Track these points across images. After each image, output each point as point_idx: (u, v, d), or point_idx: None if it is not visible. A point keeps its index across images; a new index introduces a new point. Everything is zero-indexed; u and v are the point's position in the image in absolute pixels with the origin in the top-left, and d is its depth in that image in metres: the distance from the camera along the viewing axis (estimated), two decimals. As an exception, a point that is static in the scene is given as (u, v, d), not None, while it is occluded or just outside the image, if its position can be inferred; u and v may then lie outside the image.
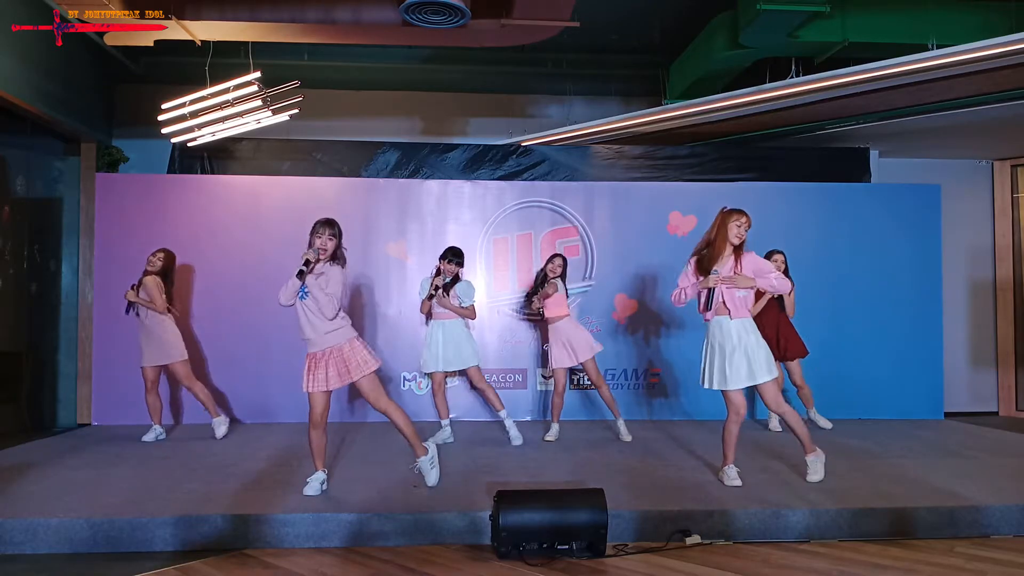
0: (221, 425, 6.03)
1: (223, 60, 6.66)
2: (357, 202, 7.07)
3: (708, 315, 4.33)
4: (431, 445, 4.41)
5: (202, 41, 6.18)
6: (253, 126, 6.65)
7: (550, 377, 6.92)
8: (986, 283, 8.65)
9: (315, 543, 3.73)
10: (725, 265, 4.29)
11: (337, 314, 4.10)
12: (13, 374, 6.59)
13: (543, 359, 6.94)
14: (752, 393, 4.83)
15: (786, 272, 6.09)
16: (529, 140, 7.87)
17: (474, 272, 7.05)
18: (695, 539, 3.72)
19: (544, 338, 6.76)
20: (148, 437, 5.92)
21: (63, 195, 7.12)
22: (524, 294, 5.99)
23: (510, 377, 7.11)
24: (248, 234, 6.98)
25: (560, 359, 5.79)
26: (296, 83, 6.37)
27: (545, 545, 3.54)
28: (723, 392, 4.33)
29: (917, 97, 6.49)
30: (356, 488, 4.29)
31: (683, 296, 4.44)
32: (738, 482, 4.32)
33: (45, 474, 4.70)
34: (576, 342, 5.75)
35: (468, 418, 6.95)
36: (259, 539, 3.72)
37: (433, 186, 7.25)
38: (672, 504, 3.94)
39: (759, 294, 5.62)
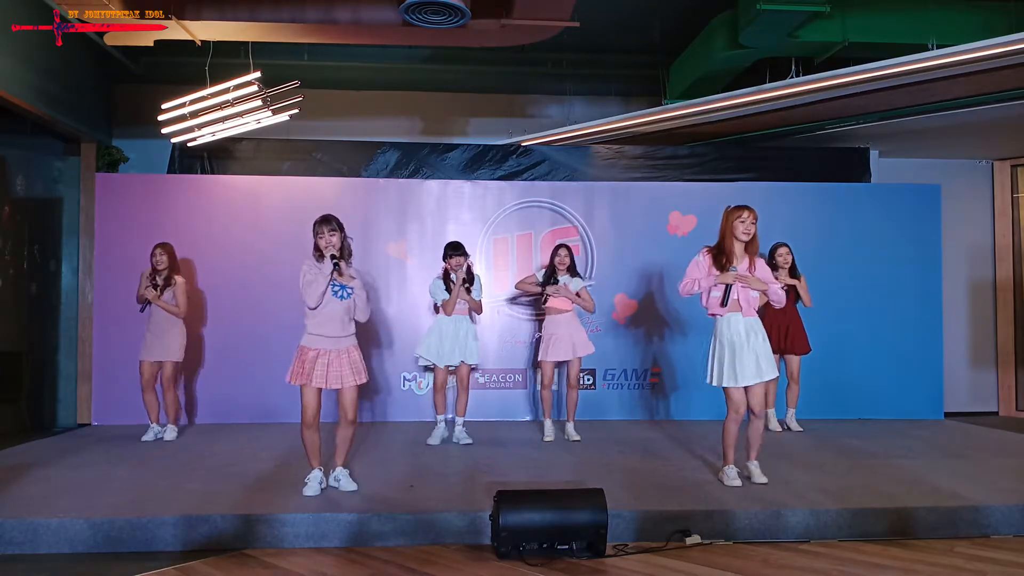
0: (172, 431, 5.99)
1: (223, 60, 6.65)
2: (357, 202, 7.06)
3: (722, 311, 4.32)
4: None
5: (202, 41, 6.17)
6: (253, 126, 6.65)
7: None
8: (986, 283, 8.65)
9: (315, 543, 3.72)
10: (741, 264, 4.33)
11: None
12: (13, 374, 6.59)
13: (536, 351, 6.81)
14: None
15: (793, 264, 6.21)
16: (529, 140, 7.87)
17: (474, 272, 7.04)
18: (695, 539, 3.72)
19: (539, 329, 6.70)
20: (147, 437, 5.90)
21: (63, 195, 7.12)
22: (540, 282, 6.01)
23: (510, 377, 7.11)
24: (248, 234, 6.98)
25: (557, 352, 5.81)
26: (296, 83, 6.37)
27: (545, 545, 3.54)
28: (724, 390, 4.33)
29: (917, 97, 6.49)
30: (356, 488, 4.28)
31: (695, 287, 4.39)
32: (738, 482, 4.33)
33: (45, 474, 4.69)
34: (578, 338, 5.82)
35: (468, 418, 6.92)
36: (259, 539, 3.72)
37: (433, 186, 7.25)
38: (672, 504, 3.94)
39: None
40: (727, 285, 4.27)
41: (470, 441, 5.76)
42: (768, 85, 6.65)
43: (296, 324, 6.49)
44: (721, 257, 4.33)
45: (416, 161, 7.54)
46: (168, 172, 7.32)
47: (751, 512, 3.84)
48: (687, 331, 7.09)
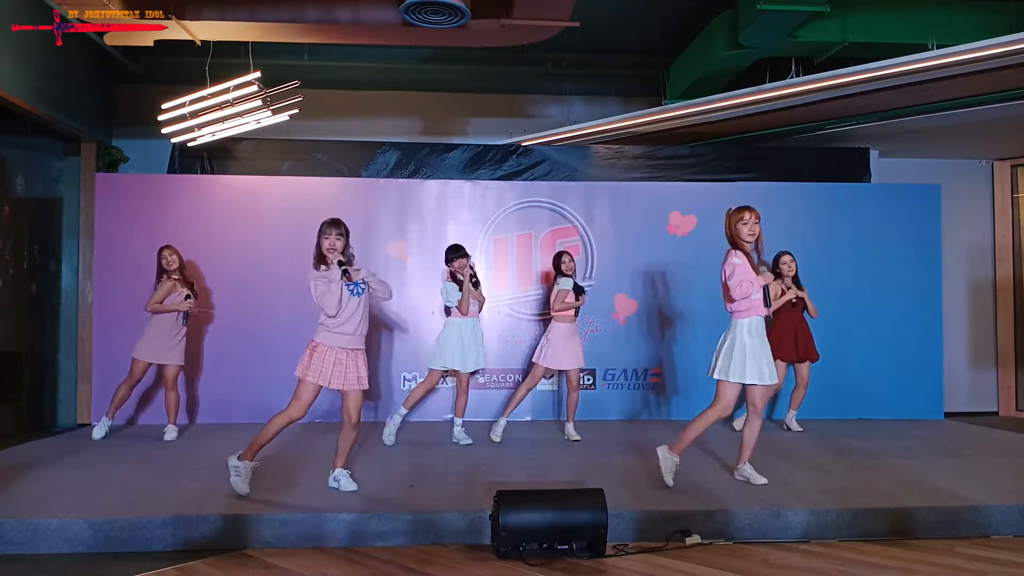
0: (172, 431, 6.01)
1: (223, 60, 6.66)
2: (357, 202, 7.06)
3: (766, 311, 4.34)
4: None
5: (202, 41, 6.17)
6: (253, 126, 6.65)
7: (551, 377, 6.93)
8: (986, 283, 8.65)
9: (315, 543, 3.72)
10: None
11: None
12: (13, 374, 6.59)
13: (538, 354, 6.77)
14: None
15: (796, 275, 6.22)
16: (529, 140, 7.87)
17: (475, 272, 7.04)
18: (695, 539, 3.72)
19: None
20: (98, 433, 5.92)
21: (63, 195, 7.12)
22: (543, 295, 6.04)
23: (510, 377, 7.11)
24: (248, 234, 6.98)
25: (557, 361, 5.81)
26: (296, 83, 6.37)
27: (545, 545, 3.54)
28: (720, 386, 4.29)
29: (917, 97, 6.49)
30: (356, 488, 4.28)
31: (755, 287, 4.25)
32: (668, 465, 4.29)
33: (45, 474, 4.69)
34: (578, 349, 5.89)
35: (468, 418, 6.92)
36: (259, 539, 3.72)
37: (433, 186, 7.25)
38: (672, 504, 3.94)
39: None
40: (765, 286, 4.29)
41: (470, 441, 5.76)
42: (768, 85, 6.65)
43: (296, 324, 6.50)
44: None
45: (416, 161, 7.54)
46: (168, 172, 7.32)
47: (751, 512, 3.84)
48: (687, 331, 7.09)
